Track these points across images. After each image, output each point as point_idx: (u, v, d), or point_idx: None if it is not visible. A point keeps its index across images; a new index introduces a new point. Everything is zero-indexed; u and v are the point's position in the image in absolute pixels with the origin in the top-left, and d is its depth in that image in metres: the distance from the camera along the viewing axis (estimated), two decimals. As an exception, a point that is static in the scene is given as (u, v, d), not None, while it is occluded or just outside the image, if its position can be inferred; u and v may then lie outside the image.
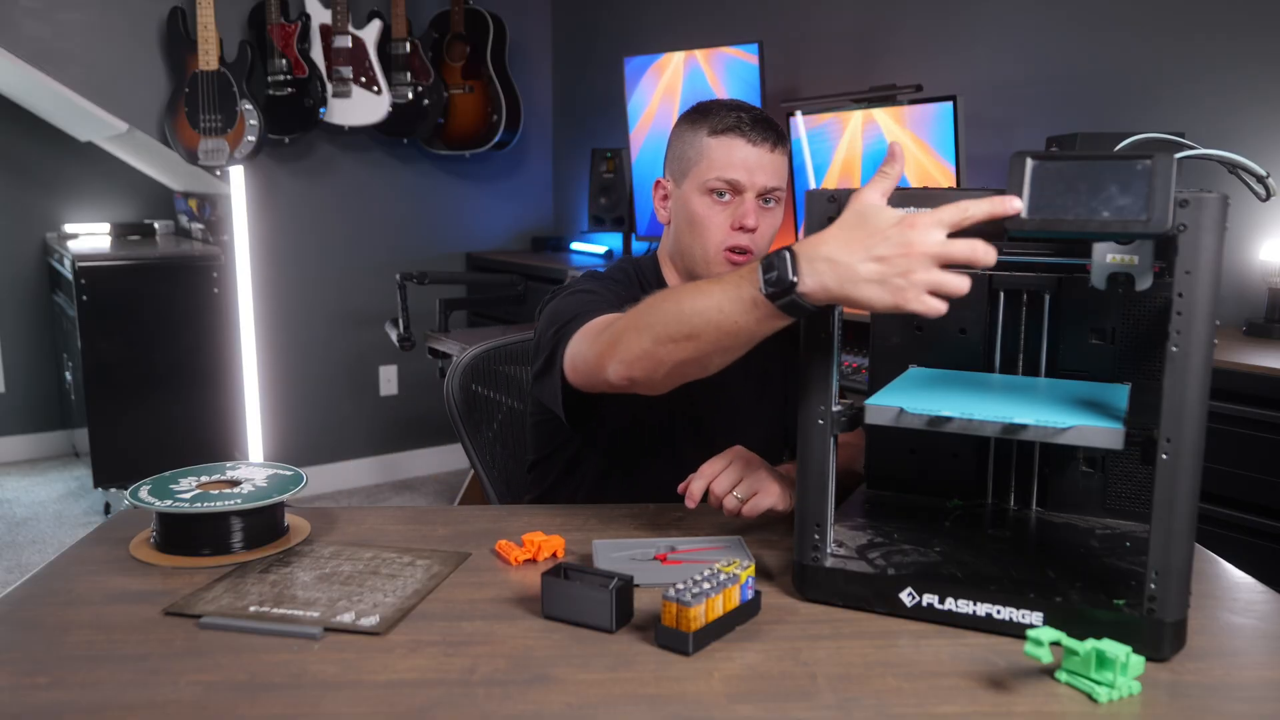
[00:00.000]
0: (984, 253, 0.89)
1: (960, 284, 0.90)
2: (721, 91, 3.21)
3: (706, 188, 1.42)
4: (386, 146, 4.03)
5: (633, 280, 1.52)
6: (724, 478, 1.21)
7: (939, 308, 0.91)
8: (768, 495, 1.21)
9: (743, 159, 1.40)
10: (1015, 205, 0.89)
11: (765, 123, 1.43)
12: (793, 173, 3.06)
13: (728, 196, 1.42)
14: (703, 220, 1.43)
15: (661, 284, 1.52)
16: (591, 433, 1.47)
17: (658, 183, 1.53)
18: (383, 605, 1.05)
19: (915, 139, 2.64)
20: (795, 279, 0.95)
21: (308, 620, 1.01)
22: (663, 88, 3.43)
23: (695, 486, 1.20)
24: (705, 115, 1.45)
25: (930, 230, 0.90)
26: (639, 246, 3.67)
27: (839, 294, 0.94)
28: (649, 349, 1.11)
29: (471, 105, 4.01)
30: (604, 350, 1.18)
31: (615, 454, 1.51)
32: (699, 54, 3.28)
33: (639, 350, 1.12)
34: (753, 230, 1.41)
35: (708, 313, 1.05)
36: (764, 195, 1.43)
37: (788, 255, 0.96)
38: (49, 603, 1.07)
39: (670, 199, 1.50)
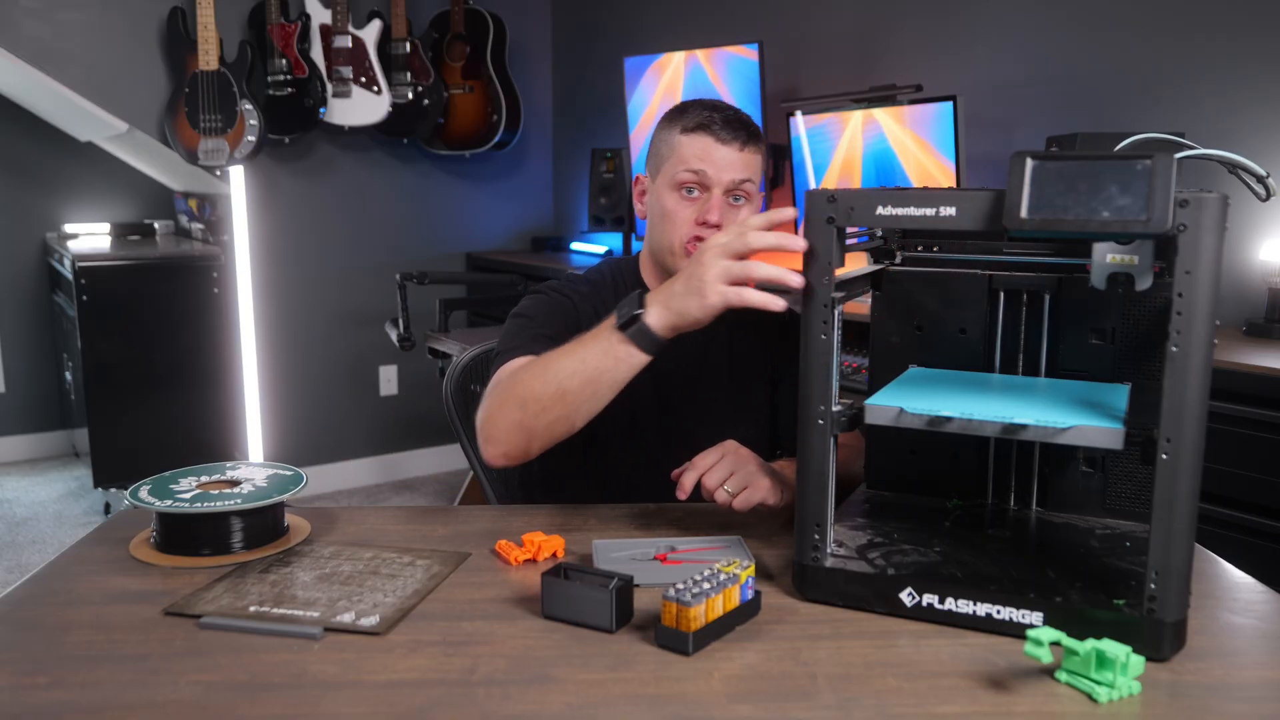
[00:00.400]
0: (754, 237, 1.07)
1: (754, 269, 1.07)
2: (722, 91, 3.22)
3: (676, 182, 1.46)
4: (386, 146, 4.03)
5: (607, 284, 1.55)
6: (716, 470, 1.22)
7: (747, 294, 1.07)
8: (758, 490, 1.22)
9: (710, 155, 1.44)
10: (788, 226, 1.07)
11: (737, 122, 1.45)
12: (792, 172, 3.06)
13: (696, 192, 1.46)
14: (670, 214, 1.46)
15: (639, 284, 1.55)
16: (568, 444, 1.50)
17: (637, 179, 1.57)
18: (383, 605, 1.05)
19: (915, 138, 2.64)
20: (641, 309, 1.14)
21: (308, 620, 1.01)
22: (663, 87, 3.43)
23: (687, 478, 1.22)
24: (681, 114, 1.48)
25: (713, 243, 1.10)
26: (639, 246, 3.66)
27: (671, 315, 1.13)
28: (518, 419, 1.23)
29: (471, 105, 4.01)
30: (485, 432, 1.27)
31: (594, 462, 1.52)
32: (699, 54, 3.28)
33: (508, 424, 1.24)
34: (717, 226, 1.44)
35: (571, 366, 1.19)
36: (732, 192, 1.45)
37: (638, 295, 1.16)
38: (49, 603, 1.07)
39: (647, 194, 1.53)
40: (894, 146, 2.70)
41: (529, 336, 1.41)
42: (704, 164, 1.43)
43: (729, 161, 1.44)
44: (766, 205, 3.12)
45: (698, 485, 1.23)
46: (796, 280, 1.02)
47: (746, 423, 1.53)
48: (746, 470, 1.23)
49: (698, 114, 1.45)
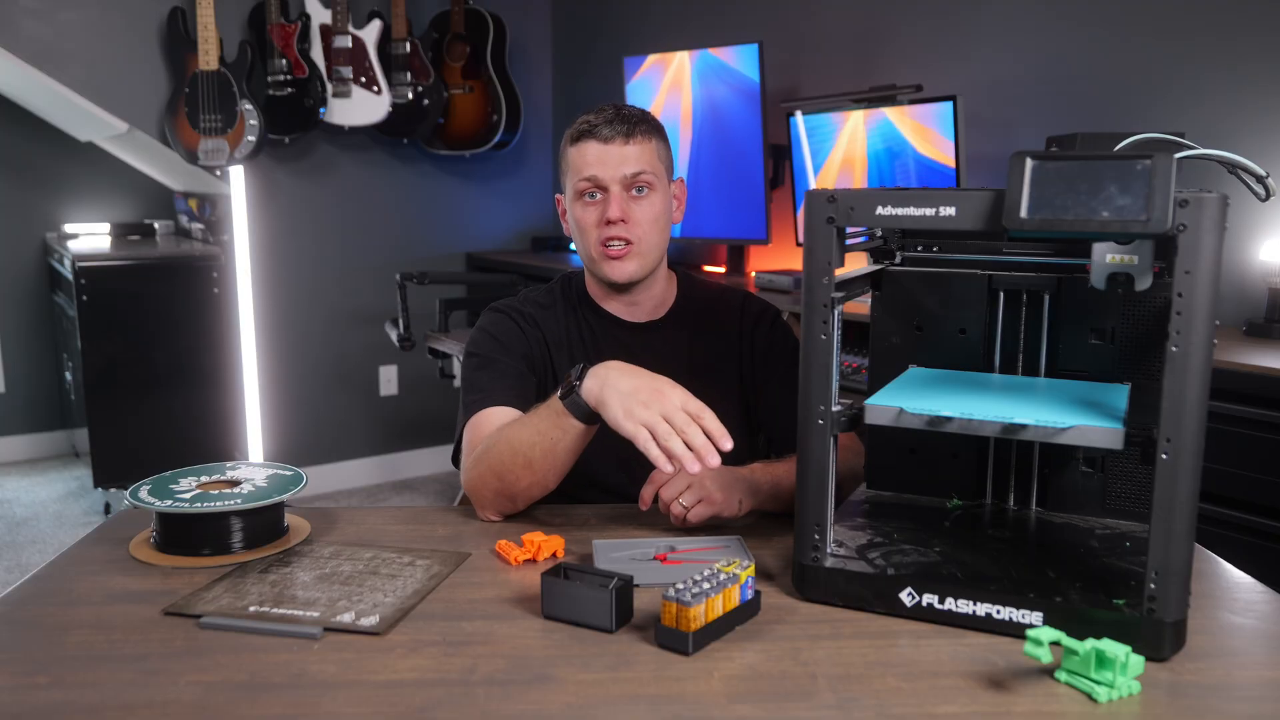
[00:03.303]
0: (694, 432, 1.13)
1: (672, 440, 1.12)
2: (722, 91, 3.22)
3: (576, 191, 1.50)
4: (386, 146, 4.03)
5: (557, 302, 1.58)
6: (672, 484, 1.26)
7: (649, 447, 1.13)
8: (710, 504, 1.25)
9: (596, 157, 1.47)
10: (714, 461, 1.12)
11: (617, 119, 1.48)
12: (793, 172, 3.06)
13: (597, 195, 1.49)
14: (579, 223, 1.50)
15: (584, 297, 1.58)
16: None
17: (557, 200, 1.60)
18: (383, 605, 1.05)
19: (917, 127, 2.64)
20: (579, 381, 1.21)
21: (308, 620, 1.01)
22: (666, 85, 3.43)
23: (645, 491, 1.28)
24: (570, 127, 1.52)
25: (677, 396, 1.15)
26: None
27: (600, 397, 1.19)
28: (498, 488, 1.30)
29: (471, 105, 4.01)
30: (473, 498, 1.35)
31: (578, 465, 1.52)
32: (699, 54, 3.28)
33: (491, 493, 1.31)
34: (621, 220, 1.46)
35: (531, 438, 1.26)
36: (631, 185, 1.48)
37: (584, 365, 1.23)
38: (49, 603, 1.07)
39: (566, 213, 1.56)
40: (900, 139, 2.70)
41: (489, 380, 1.46)
42: (594, 168, 1.47)
43: (618, 158, 1.46)
44: (766, 205, 3.12)
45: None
46: (693, 466, 1.12)
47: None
48: (700, 484, 1.25)
49: (580, 123, 1.49)
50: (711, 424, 1.14)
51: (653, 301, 1.56)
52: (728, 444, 1.13)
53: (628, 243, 1.47)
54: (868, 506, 1.25)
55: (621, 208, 1.46)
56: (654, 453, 1.13)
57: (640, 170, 1.47)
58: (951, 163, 2.53)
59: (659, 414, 1.14)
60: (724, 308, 1.59)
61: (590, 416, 1.22)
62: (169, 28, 3.52)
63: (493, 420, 1.39)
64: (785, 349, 1.55)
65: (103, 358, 3.59)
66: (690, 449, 1.12)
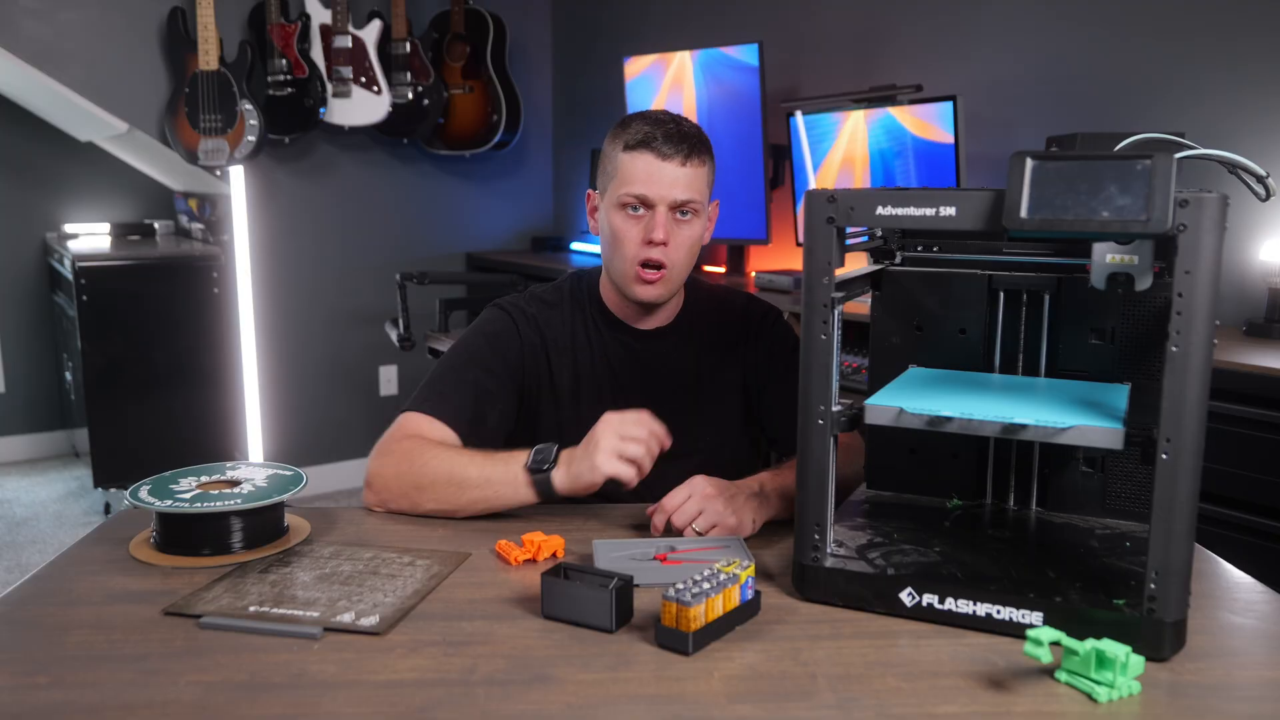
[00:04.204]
0: (638, 429, 1.25)
1: (632, 448, 1.23)
2: (722, 91, 3.22)
3: (619, 202, 1.45)
4: (386, 146, 4.03)
5: (565, 303, 1.56)
6: (684, 511, 1.24)
7: (624, 471, 1.23)
8: (724, 529, 1.24)
9: (652, 174, 1.42)
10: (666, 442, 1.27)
11: (679, 136, 1.43)
12: (792, 172, 3.06)
13: (640, 210, 1.44)
14: (618, 234, 1.46)
15: (595, 298, 1.56)
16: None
17: (589, 194, 1.56)
18: (383, 605, 1.05)
19: (919, 123, 2.64)
20: (551, 465, 1.27)
21: (308, 620, 1.01)
22: (668, 83, 3.43)
23: (657, 520, 1.26)
24: (623, 129, 1.46)
25: (610, 419, 1.26)
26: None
27: (569, 479, 1.26)
28: (411, 496, 1.33)
29: (471, 105, 4.01)
30: (375, 484, 1.35)
31: None
32: (701, 51, 3.28)
33: (398, 492, 1.33)
34: (663, 243, 1.43)
35: (477, 482, 1.29)
36: (678, 208, 1.44)
37: (556, 447, 1.28)
38: (49, 603, 1.07)
39: (598, 211, 1.52)
40: (899, 129, 2.70)
41: (452, 387, 1.46)
42: (646, 186, 1.42)
43: (672, 179, 1.42)
44: (766, 205, 3.12)
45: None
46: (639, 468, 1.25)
47: (714, 431, 1.54)
48: (713, 508, 1.24)
49: (637, 129, 1.43)
50: (643, 419, 1.27)
51: (663, 311, 1.55)
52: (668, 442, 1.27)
53: (660, 267, 1.44)
54: (868, 506, 1.25)
55: (666, 230, 1.42)
56: (626, 476, 1.24)
57: (691, 198, 1.43)
58: (950, 139, 2.52)
59: (614, 445, 1.24)
60: (728, 312, 1.59)
61: (553, 498, 1.28)
62: (169, 28, 3.52)
63: (427, 432, 1.39)
64: (787, 351, 1.54)
65: (103, 358, 3.59)
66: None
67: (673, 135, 1.42)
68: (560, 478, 1.27)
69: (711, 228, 1.53)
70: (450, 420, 1.41)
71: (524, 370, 1.51)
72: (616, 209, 1.45)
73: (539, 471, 1.27)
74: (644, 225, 1.44)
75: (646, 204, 1.43)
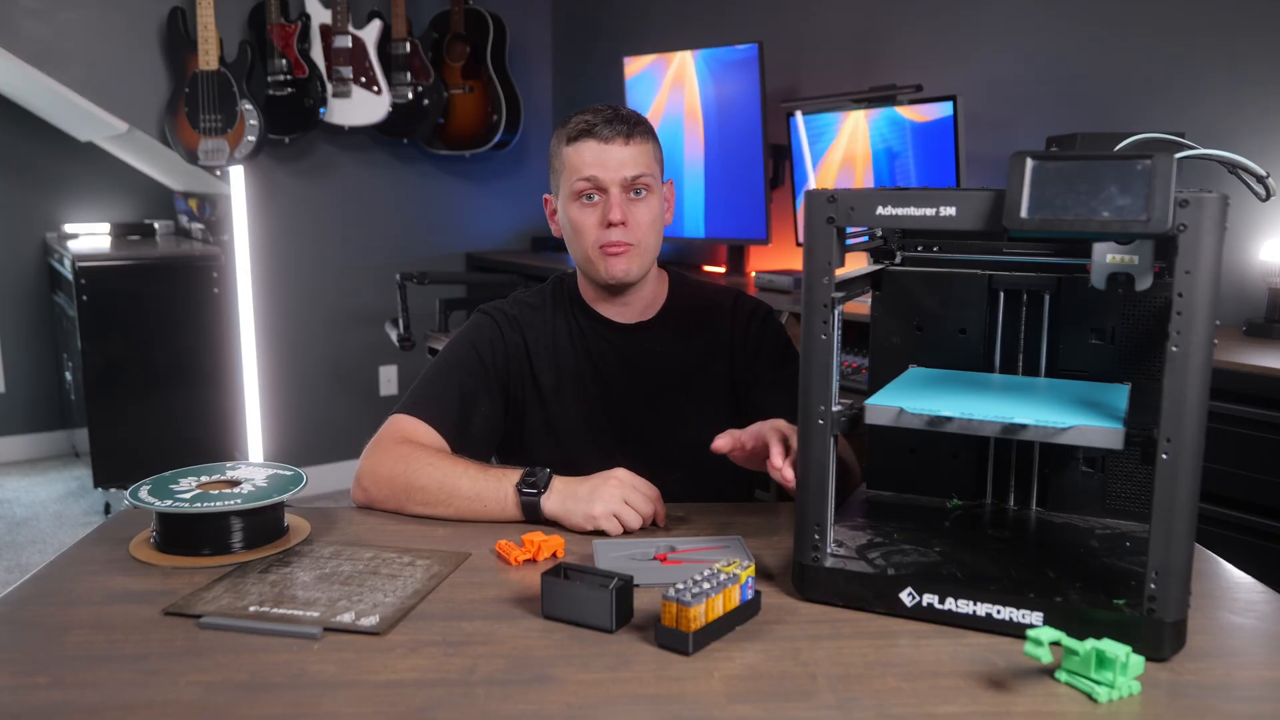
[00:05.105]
0: (644, 503, 1.27)
1: (631, 517, 1.25)
2: (723, 91, 3.22)
3: (573, 192, 1.48)
4: (386, 146, 4.03)
5: (547, 305, 1.58)
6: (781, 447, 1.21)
7: (613, 528, 1.24)
8: None
9: (599, 157, 1.45)
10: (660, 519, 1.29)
11: (617, 119, 1.47)
12: (792, 172, 3.06)
13: (595, 197, 1.47)
14: (577, 224, 1.49)
15: (576, 299, 1.58)
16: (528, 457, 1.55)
17: (546, 200, 1.59)
18: (383, 605, 1.05)
19: (920, 119, 2.64)
20: (542, 490, 1.28)
21: (308, 620, 1.01)
22: (668, 83, 3.43)
23: (789, 473, 1.17)
24: (564, 127, 1.50)
25: (621, 479, 1.27)
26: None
27: (562, 511, 1.26)
28: (399, 499, 1.34)
29: (471, 105, 4.01)
30: (365, 481, 1.37)
31: (568, 468, 1.53)
32: (699, 54, 3.28)
33: (387, 494, 1.34)
34: (621, 223, 1.45)
35: (467, 493, 1.30)
36: (631, 187, 1.47)
37: (549, 473, 1.29)
38: (49, 603, 1.07)
39: (557, 213, 1.56)
40: (900, 122, 2.70)
41: (440, 390, 1.48)
42: (594, 169, 1.45)
43: (619, 160, 1.45)
44: (766, 204, 3.12)
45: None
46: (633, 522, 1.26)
47: (702, 427, 1.54)
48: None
49: (578, 122, 1.48)
50: (652, 492, 1.29)
51: (643, 302, 1.56)
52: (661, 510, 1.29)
53: (623, 245, 1.47)
54: (868, 506, 1.25)
55: (622, 210, 1.45)
56: (613, 530, 1.25)
57: (640, 173, 1.46)
58: (950, 139, 2.52)
59: (616, 504, 1.25)
60: (714, 307, 1.59)
61: (540, 521, 1.29)
62: (169, 28, 3.52)
63: (418, 435, 1.41)
64: (775, 347, 1.55)
65: (103, 358, 3.59)
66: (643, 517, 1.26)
67: (611, 119, 1.46)
68: (552, 506, 1.28)
69: (671, 208, 1.56)
70: (438, 424, 1.43)
71: (508, 372, 1.53)
72: (572, 201, 1.49)
73: (529, 494, 1.28)
74: (600, 210, 1.47)
75: (599, 187, 1.46)
